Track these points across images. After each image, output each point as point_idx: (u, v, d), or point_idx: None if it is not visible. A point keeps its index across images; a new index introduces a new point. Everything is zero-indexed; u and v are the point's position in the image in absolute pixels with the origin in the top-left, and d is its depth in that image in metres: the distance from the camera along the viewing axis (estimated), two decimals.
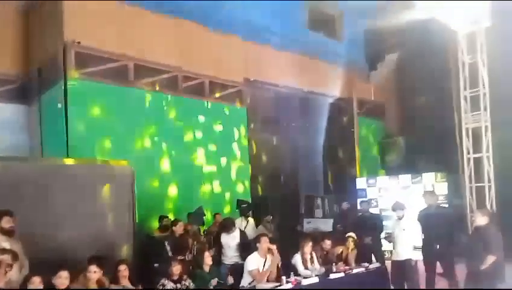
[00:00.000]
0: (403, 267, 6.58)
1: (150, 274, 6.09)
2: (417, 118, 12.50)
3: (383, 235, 7.96)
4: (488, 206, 8.08)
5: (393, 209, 6.88)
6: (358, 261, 6.88)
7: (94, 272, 4.67)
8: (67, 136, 7.33)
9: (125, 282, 5.03)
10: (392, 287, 6.71)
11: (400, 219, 6.75)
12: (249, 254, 5.92)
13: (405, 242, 6.60)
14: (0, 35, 8.15)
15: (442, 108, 11.14)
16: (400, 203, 6.98)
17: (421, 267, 6.93)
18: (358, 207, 10.48)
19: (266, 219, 8.63)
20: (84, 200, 5.97)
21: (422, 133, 12.25)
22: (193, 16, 9.36)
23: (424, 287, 6.70)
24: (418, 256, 6.71)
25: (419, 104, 12.39)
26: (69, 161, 6.32)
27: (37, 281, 4.06)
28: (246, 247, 6.51)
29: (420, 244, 6.79)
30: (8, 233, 4.82)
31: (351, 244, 7.04)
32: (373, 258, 7.21)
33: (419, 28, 10.72)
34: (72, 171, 6.11)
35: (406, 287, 6.66)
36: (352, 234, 7.25)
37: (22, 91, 8.53)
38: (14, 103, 8.43)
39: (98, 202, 6.13)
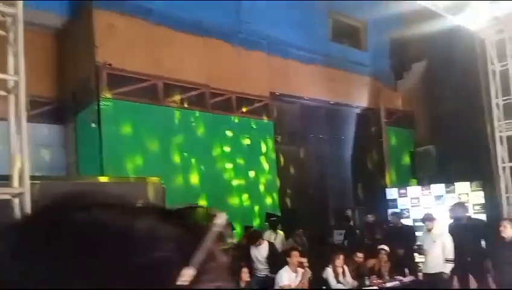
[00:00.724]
0: (435, 281, 6.41)
1: None
2: (448, 126, 12.23)
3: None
4: None
5: (423, 221, 6.74)
6: (392, 275, 6.76)
7: None
8: (101, 154, 7.59)
9: None
10: None
11: (429, 230, 6.59)
12: (279, 267, 5.93)
13: (436, 254, 6.43)
14: (36, 59, 8.52)
15: (474, 116, 10.88)
16: (430, 214, 6.85)
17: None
18: (389, 218, 10.34)
19: (297, 232, 8.60)
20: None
21: (454, 141, 11.96)
22: (219, 34, 9.59)
23: None
24: (450, 269, 6.51)
25: (449, 112, 12.12)
26: (103, 179, 6.54)
27: None
28: (276, 259, 6.52)
29: (452, 256, 6.60)
30: None
31: (383, 257, 6.93)
32: (406, 271, 7.08)
33: (446, 36, 10.57)
34: (107, 188, 6.32)
35: None
36: (384, 246, 7.15)
37: (58, 112, 8.92)
38: (51, 124, 8.80)
39: None
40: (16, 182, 2.57)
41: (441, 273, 6.39)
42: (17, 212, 2.44)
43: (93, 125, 7.68)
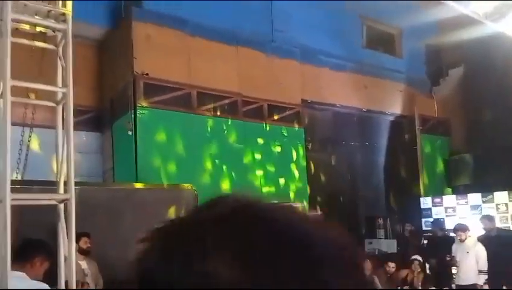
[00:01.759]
0: None
1: None
2: (485, 133, 11.88)
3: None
4: None
5: (455, 231, 6.59)
6: (426, 286, 6.64)
7: None
8: (136, 161, 7.86)
9: None
10: None
11: (462, 241, 6.43)
12: None
13: (469, 266, 6.27)
14: (77, 69, 8.93)
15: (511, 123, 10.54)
16: (462, 224, 6.70)
17: None
18: (429, 227, 10.11)
19: None
20: (152, 222, 6.30)
21: (491, 149, 11.60)
22: (252, 43, 9.73)
23: None
24: (483, 281, 6.33)
25: (486, 119, 11.78)
26: (138, 185, 6.79)
27: None
28: None
29: (486, 268, 6.42)
30: (85, 253, 5.27)
31: (417, 267, 6.81)
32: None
33: (484, 43, 10.31)
34: (141, 194, 6.56)
35: None
36: (417, 256, 7.03)
37: (96, 120, 9.28)
38: (90, 131, 9.17)
39: None
40: (61, 188, 2.76)
41: (474, 285, 6.22)
42: (62, 218, 2.62)
43: (129, 133, 7.97)
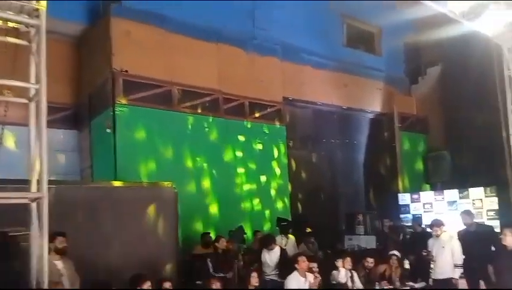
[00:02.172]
0: (444, 287, 6.38)
1: None
2: (463, 131, 12.13)
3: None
4: None
5: (431, 227, 6.73)
6: (404, 281, 6.73)
7: (147, 287, 4.92)
8: (115, 159, 7.77)
9: None
10: None
11: (438, 236, 6.57)
12: (288, 272, 5.98)
13: (445, 260, 6.40)
14: (54, 66, 8.72)
15: (489, 121, 10.77)
16: (438, 220, 6.84)
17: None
18: (407, 223, 10.27)
19: (310, 240, 8.62)
20: (131, 221, 6.29)
21: (468, 146, 11.86)
22: (233, 41, 9.71)
23: None
24: (458, 275, 6.47)
25: (464, 117, 12.02)
26: (117, 183, 6.71)
27: None
28: (286, 265, 6.57)
29: (461, 262, 6.57)
30: (61, 252, 5.16)
31: (394, 262, 6.90)
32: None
33: (461, 42, 10.49)
34: (120, 193, 6.47)
35: None
36: (395, 252, 7.13)
37: (74, 117, 9.15)
38: (67, 129, 9.03)
39: (144, 222, 6.44)
40: (34, 187, 2.71)
41: (450, 279, 6.35)
42: (35, 217, 2.58)
43: (108, 130, 7.87)
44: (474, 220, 7.01)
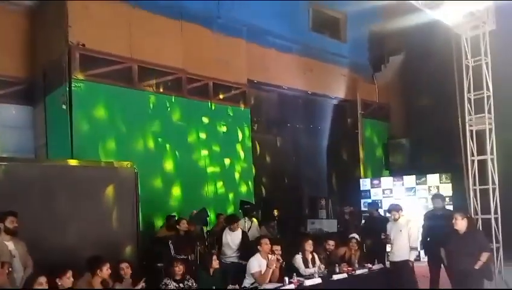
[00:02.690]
0: (401, 269, 6.57)
1: (154, 274, 6.13)
2: (422, 119, 12.48)
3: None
4: (492, 209, 8.03)
5: (389, 211, 6.90)
6: (362, 263, 6.87)
7: (107, 270, 4.73)
8: (71, 137, 7.40)
9: (128, 280, 5.07)
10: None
11: (395, 220, 6.74)
12: (250, 255, 5.94)
13: (402, 243, 6.59)
14: (5, 38, 8.26)
15: (447, 110, 11.08)
16: (395, 204, 7.03)
17: (419, 269, 6.92)
18: (364, 208, 10.50)
19: (271, 224, 8.62)
20: (88, 201, 6.02)
21: (427, 134, 12.22)
22: (198, 19, 9.43)
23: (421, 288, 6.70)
24: (414, 257, 6.67)
25: (423, 105, 12.36)
26: (73, 162, 6.38)
27: (43, 281, 4.09)
28: (247, 247, 6.55)
29: (417, 245, 6.79)
30: (12, 233, 4.89)
31: (354, 245, 7.03)
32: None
33: (423, 31, 10.71)
34: (77, 172, 6.17)
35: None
36: (355, 235, 7.26)
37: (27, 93, 8.64)
38: (20, 104, 8.53)
39: (102, 202, 6.19)
40: None
41: (406, 261, 6.53)
42: None
43: (63, 107, 7.47)
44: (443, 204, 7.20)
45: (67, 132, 7.44)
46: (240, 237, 6.81)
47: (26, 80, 8.67)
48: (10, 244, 4.82)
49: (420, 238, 7.03)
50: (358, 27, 12.89)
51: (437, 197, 7.23)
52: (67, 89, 7.52)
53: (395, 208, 6.83)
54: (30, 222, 5.15)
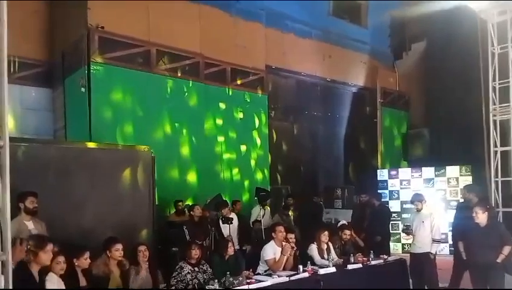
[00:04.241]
0: (421, 261, 6.41)
1: (169, 258, 6.16)
2: (443, 109, 12.19)
3: (400, 227, 7.83)
4: None
5: (412, 201, 6.71)
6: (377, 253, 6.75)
7: (117, 251, 4.73)
8: (90, 120, 7.43)
9: (145, 264, 5.08)
10: (410, 280, 6.58)
11: (418, 211, 6.58)
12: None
13: (424, 235, 6.40)
14: (26, 20, 8.29)
15: (470, 99, 10.81)
16: (419, 194, 6.81)
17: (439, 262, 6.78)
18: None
19: (284, 211, 8.58)
20: (105, 184, 6.04)
21: (448, 125, 11.94)
22: (217, 3, 9.30)
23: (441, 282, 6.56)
24: (435, 250, 6.52)
25: (445, 95, 12.04)
26: (91, 145, 6.41)
27: (61, 260, 4.11)
28: (244, 232, 6.57)
29: (440, 237, 6.57)
30: (32, 213, 4.94)
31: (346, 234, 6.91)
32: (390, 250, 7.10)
33: (447, 17, 10.40)
34: (94, 154, 6.19)
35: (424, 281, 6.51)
36: (344, 221, 7.20)
37: (46, 75, 8.69)
38: (40, 87, 8.59)
39: (119, 185, 6.20)
40: None
41: (427, 254, 6.38)
42: None
43: (82, 89, 7.49)
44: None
45: (85, 114, 7.48)
46: (237, 223, 6.86)
47: (46, 62, 8.73)
48: (30, 224, 4.86)
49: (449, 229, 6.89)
50: (379, 12, 12.58)
51: (466, 188, 7.03)
52: (86, 71, 7.53)
53: (418, 198, 6.60)
54: (48, 203, 5.20)
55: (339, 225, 7.13)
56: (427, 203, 6.73)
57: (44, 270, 4.05)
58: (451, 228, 7.00)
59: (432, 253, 6.37)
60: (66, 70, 8.30)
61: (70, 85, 8.15)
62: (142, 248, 5.09)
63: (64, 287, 4.06)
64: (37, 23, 8.63)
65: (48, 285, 3.93)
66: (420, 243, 6.44)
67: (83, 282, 4.38)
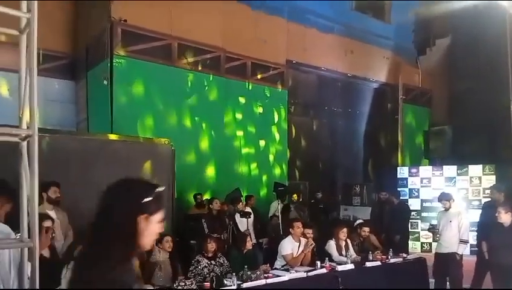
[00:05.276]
0: (447, 261, 6.23)
1: (187, 250, 6.22)
2: (467, 106, 11.91)
3: (425, 226, 7.69)
4: None
5: (440, 200, 6.50)
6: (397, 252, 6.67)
7: None
8: (111, 112, 7.52)
9: (165, 255, 5.14)
10: (431, 280, 6.47)
11: (446, 209, 6.41)
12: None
13: (451, 235, 6.22)
14: (50, 13, 8.41)
15: (495, 97, 10.53)
16: (447, 193, 6.64)
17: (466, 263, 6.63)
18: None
19: (301, 206, 8.56)
20: (126, 175, 6.10)
21: (471, 123, 11.67)
22: None
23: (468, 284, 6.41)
24: (462, 251, 6.36)
25: (470, 92, 11.76)
26: (113, 137, 6.50)
27: None
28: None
29: (467, 238, 6.37)
30: (55, 203, 5.03)
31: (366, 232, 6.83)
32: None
33: (474, 13, 10.11)
34: (116, 146, 6.28)
35: (447, 282, 6.37)
36: (361, 220, 7.12)
37: (70, 67, 8.83)
38: (63, 79, 8.73)
39: (139, 177, 6.27)
40: (24, 124, 2.47)
41: (453, 254, 6.19)
42: (25, 157, 2.36)
43: (104, 82, 7.58)
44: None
45: (107, 107, 7.58)
46: (253, 216, 6.88)
47: (69, 54, 8.87)
48: (52, 214, 4.95)
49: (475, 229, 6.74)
50: (403, 7, 12.32)
51: (493, 188, 6.87)
52: (109, 64, 7.61)
53: (446, 197, 6.42)
54: (70, 192, 5.29)
55: (356, 223, 7.05)
56: (455, 202, 6.59)
57: (67, 259, 4.13)
58: (473, 228, 6.82)
59: (458, 253, 6.17)
60: (89, 62, 8.41)
61: (93, 78, 8.26)
62: (169, 238, 5.19)
63: None
64: (61, 16, 8.76)
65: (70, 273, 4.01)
66: (447, 243, 6.25)
67: None
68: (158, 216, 1.54)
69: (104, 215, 1.52)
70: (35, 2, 2.56)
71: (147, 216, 1.51)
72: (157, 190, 1.54)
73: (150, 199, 1.50)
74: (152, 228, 1.53)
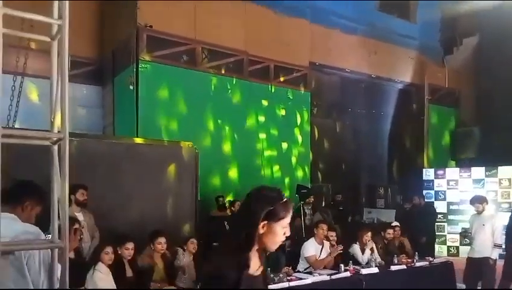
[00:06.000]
0: (480, 266, 6.04)
1: (209, 253, 6.27)
2: (495, 107, 11.60)
3: (452, 229, 7.51)
4: None
5: (472, 203, 6.29)
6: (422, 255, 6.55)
7: (160, 244, 4.89)
8: (137, 116, 7.68)
9: (189, 257, 5.22)
10: (459, 285, 6.32)
11: (479, 213, 6.21)
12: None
13: (484, 238, 6.02)
14: (77, 20, 8.63)
15: None
16: (480, 196, 6.43)
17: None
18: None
19: (325, 209, 8.50)
20: (151, 178, 6.24)
21: (500, 123, 11.36)
22: (261, 0, 9.32)
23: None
24: (496, 255, 6.10)
25: (498, 92, 11.46)
26: (138, 140, 6.64)
27: (110, 250, 4.29)
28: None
29: (502, 242, 6.16)
30: (82, 205, 5.17)
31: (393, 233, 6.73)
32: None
33: (502, 10, 9.86)
34: (141, 150, 6.41)
35: (479, 288, 6.18)
36: (396, 223, 6.99)
37: (97, 73, 9.05)
38: (90, 84, 8.96)
39: (164, 180, 6.39)
40: (56, 129, 2.56)
41: (487, 259, 6.00)
42: (56, 160, 2.45)
43: (130, 87, 7.75)
44: None
45: (133, 111, 7.74)
46: None
47: (96, 60, 9.09)
48: (79, 216, 5.09)
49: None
50: (429, 6, 12.09)
51: None
52: (135, 70, 7.78)
53: (478, 200, 6.21)
54: (97, 195, 5.43)
55: (392, 224, 6.94)
56: (488, 205, 6.38)
57: (94, 260, 4.26)
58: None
59: (492, 258, 5.97)
60: (115, 68, 8.61)
61: (119, 83, 8.46)
62: (194, 240, 5.29)
63: (111, 277, 4.24)
64: (88, 22, 8.98)
65: (97, 274, 4.13)
66: (479, 247, 6.05)
67: (129, 273, 4.56)
68: (284, 222, 1.76)
69: (237, 214, 1.93)
70: (67, 8, 2.65)
71: (273, 221, 1.73)
72: (284, 199, 1.76)
73: (276, 206, 1.73)
74: (278, 232, 1.75)
